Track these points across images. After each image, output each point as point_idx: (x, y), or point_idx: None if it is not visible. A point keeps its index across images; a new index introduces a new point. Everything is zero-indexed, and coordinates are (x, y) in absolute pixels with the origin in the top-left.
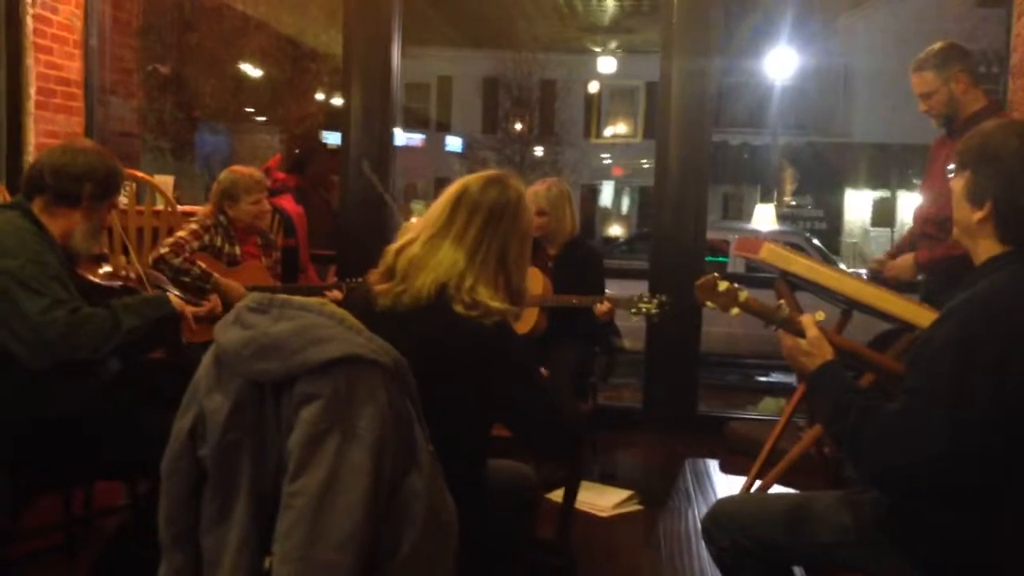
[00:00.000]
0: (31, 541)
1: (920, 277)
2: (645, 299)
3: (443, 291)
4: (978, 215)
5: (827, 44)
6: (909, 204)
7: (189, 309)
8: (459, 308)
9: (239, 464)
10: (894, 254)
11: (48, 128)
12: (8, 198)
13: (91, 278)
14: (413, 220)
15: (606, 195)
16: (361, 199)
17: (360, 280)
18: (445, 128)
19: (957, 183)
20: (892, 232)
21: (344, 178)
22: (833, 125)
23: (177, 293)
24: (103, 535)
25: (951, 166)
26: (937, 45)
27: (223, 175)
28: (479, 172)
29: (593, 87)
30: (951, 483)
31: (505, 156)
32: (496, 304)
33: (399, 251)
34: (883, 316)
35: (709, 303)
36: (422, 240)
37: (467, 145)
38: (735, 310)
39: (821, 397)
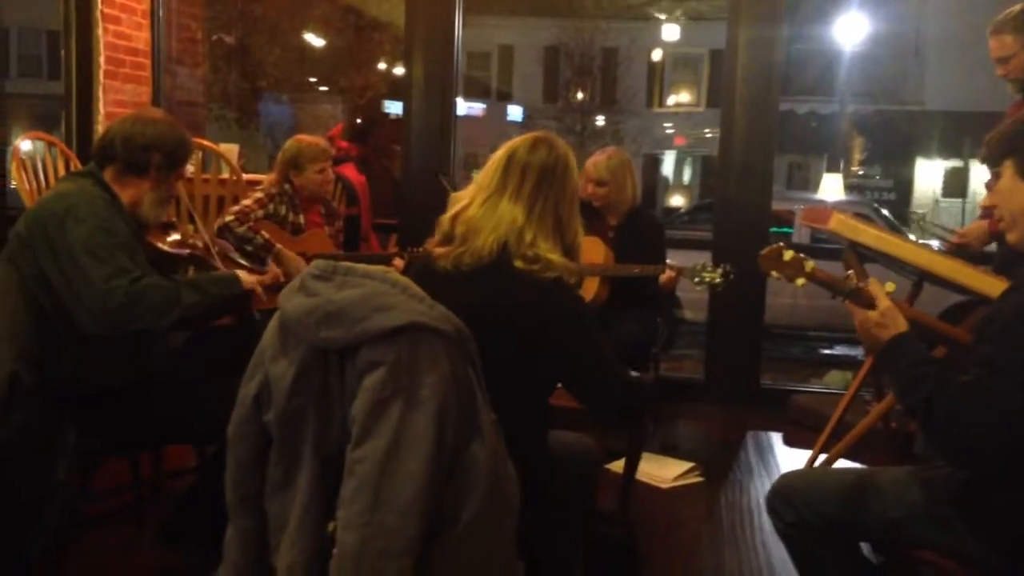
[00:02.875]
0: (100, 503)
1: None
2: (708, 268)
3: (504, 248)
4: None
5: (899, 8)
6: (982, 174)
7: (252, 277)
8: (520, 264)
9: (303, 430)
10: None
11: (117, 98)
12: (79, 166)
13: (160, 246)
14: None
15: (668, 165)
16: (423, 169)
17: (420, 249)
18: (506, 97)
19: (1004, 175)
20: (964, 203)
21: (406, 148)
22: (904, 92)
23: (243, 262)
24: (171, 498)
25: (988, 176)
26: (1017, 7)
27: (288, 144)
28: (522, 136)
29: (656, 55)
30: None
31: (566, 126)
32: (555, 257)
33: (455, 217)
34: (955, 287)
35: (774, 273)
36: (478, 203)
37: (528, 115)
38: (801, 280)
39: (894, 369)
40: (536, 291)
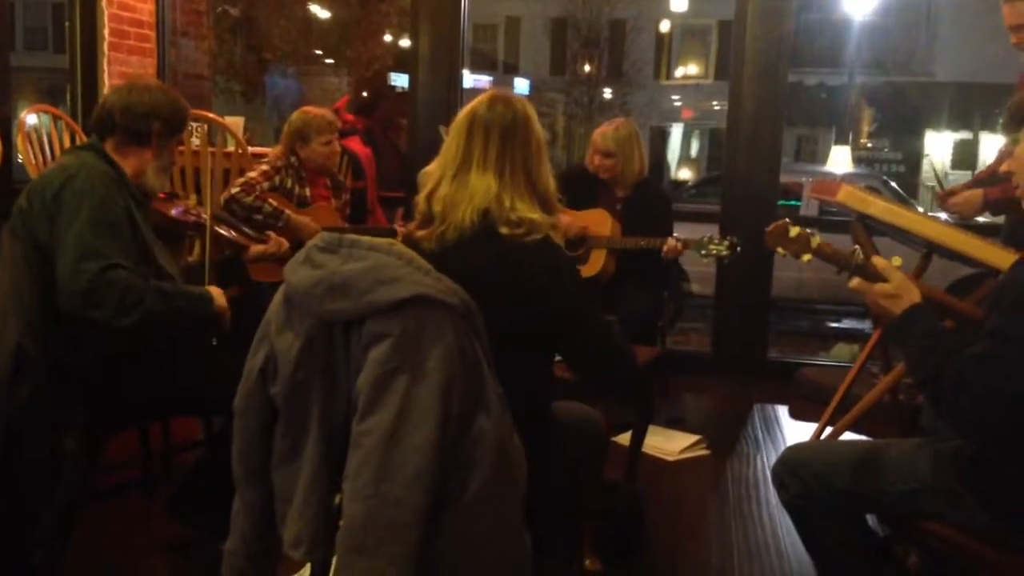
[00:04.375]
0: (110, 475)
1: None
2: (715, 241)
3: (486, 216)
4: None
5: None
6: (992, 146)
7: (256, 248)
8: (504, 230)
9: (309, 402)
10: (971, 186)
11: (121, 70)
12: (85, 139)
13: (167, 213)
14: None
15: (675, 138)
16: (429, 143)
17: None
18: (513, 70)
19: (1022, 142)
20: (973, 174)
21: (412, 120)
22: (914, 63)
23: (248, 231)
24: (180, 470)
25: (1003, 142)
26: None
27: (295, 116)
28: (477, 97)
29: (664, 27)
30: None
31: (573, 98)
32: (537, 216)
33: (429, 196)
34: (964, 259)
35: (780, 250)
36: (447, 179)
37: (535, 87)
38: (807, 256)
39: (907, 340)
40: (523, 254)
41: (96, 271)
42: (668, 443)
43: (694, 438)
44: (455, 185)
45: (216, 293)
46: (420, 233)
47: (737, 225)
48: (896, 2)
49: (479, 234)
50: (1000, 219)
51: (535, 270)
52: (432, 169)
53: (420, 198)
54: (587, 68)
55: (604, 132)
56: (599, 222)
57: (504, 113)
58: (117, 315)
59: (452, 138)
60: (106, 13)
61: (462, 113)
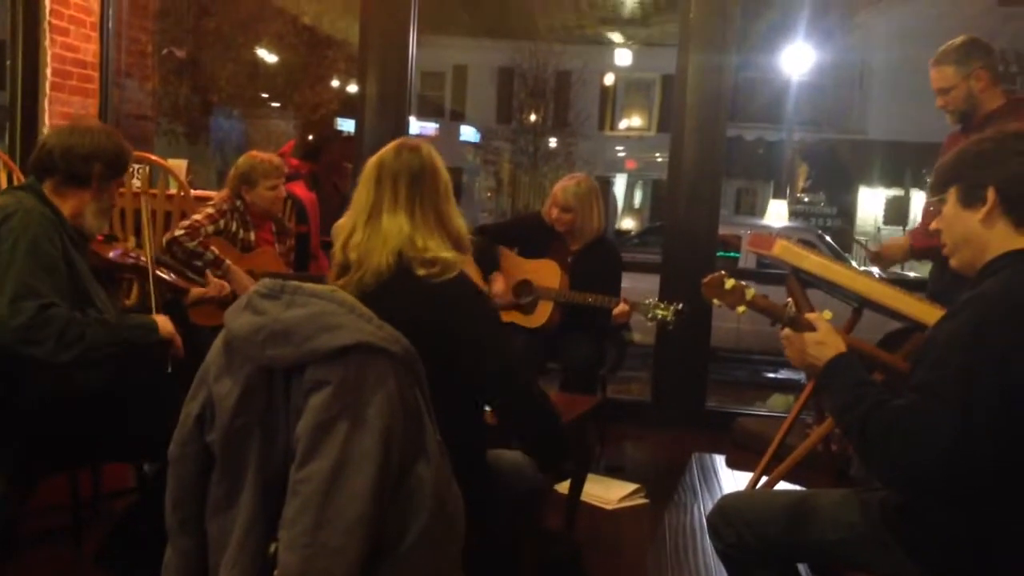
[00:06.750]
0: (38, 522)
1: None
2: (662, 306)
3: (400, 258)
4: (981, 211)
5: (844, 40)
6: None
7: (196, 290)
8: (421, 271)
9: (247, 450)
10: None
11: (63, 110)
12: (23, 179)
13: (105, 255)
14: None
15: (619, 188)
16: None
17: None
18: (460, 117)
19: (948, 201)
20: (904, 231)
21: (358, 166)
22: (848, 122)
23: (191, 275)
24: (110, 518)
25: (929, 201)
26: (959, 40)
27: (241, 159)
28: (384, 147)
29: (609, 79)
30: (958, 480)
31: (519, 147)
32: (450, 255)
33: (344, 246)
34: (894, 314)
35: (716, 301)
36: (360, 226)
37: (481, 135)
38: (742, 308)
39: (833, 388)
40: (443, 293)
41: (34, 309)
42: (607, 492)
43: (633, 487)
44: (368, 231)
45: (162, 321)
46: (338, 283)
47: (678, 275)
48: (831, 62)
49: (396, 277)
50: (926, 273)
51: (452, 308)
52: (344, 221)
53: (336, 250)
54: (533, 117)
55: (565, 187)
56: (547, 272)
57: (411, 160)
58: (57, 351)
59: (361, 187)
60: (49, 53)
61: (370, 163)
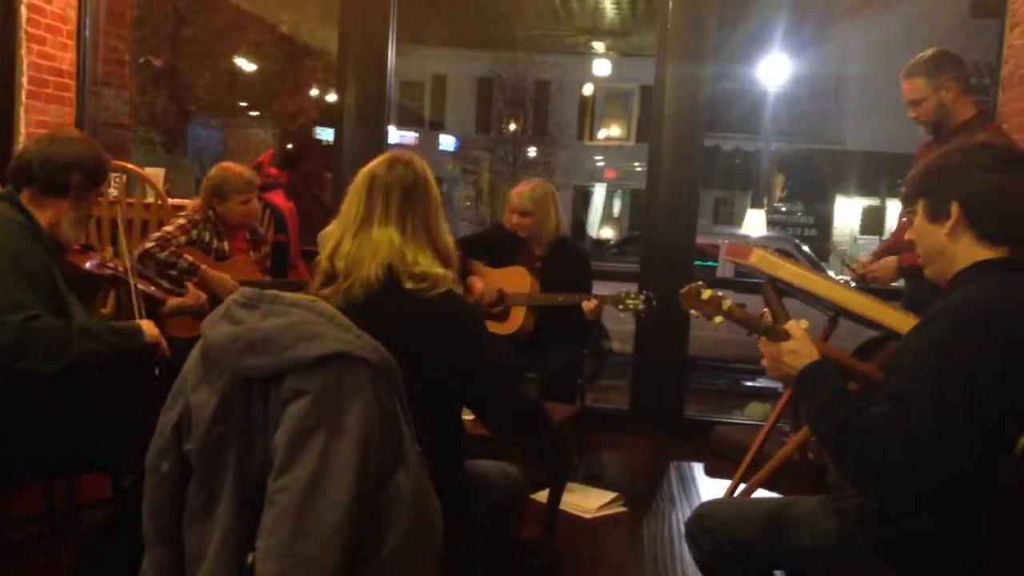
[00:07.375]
0: (13, 533)
1: (901, 281)
2: (632, 295)
3: (390, 271)
4: (947, 225)
5: (820, 52)
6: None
7: (173, 300)
8: (409, 284)
9: (224, 459)
10: (880, 254)
11: (39, 118)
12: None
13: (81, 266)
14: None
15: (598, 197)
16: None
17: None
18: (439, 127)
19: (917, 215)
20: (880, 240)
21: (337, 175)
22: (824, 132)
23: (167, 286)
24: (86, 529)
25: (902, 212)
26: (929, 52)
27: (214, 171)
28: (376, 159)
29: (588, 89)
30: (933, 488)
31: (498, 156)
32: (440, 270)
33: (332, 255)
34: (869, 324)
35: (693, 311)
36: (349, 236)
37: (460, 144)
38: (719, 318)
39: (808, 396)
40: (432, 308)
41: (19, 323)
42: (586, 500)
43: (611, 495)
44: (357, 242)
45: (146, 325)
46: (324, 292)
47: (656, 284)
48: (807, 73)
49: (385, 289)
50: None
51: (441, 323)
52: (331, 229)
53: (322, 258)
54: (512, 127)
55: (521, 192)
56: (517, 279)
57: (404, 174)
58: (45, 362)
59: (351, 198)
60: (25, 61)
61: (361, 174)
